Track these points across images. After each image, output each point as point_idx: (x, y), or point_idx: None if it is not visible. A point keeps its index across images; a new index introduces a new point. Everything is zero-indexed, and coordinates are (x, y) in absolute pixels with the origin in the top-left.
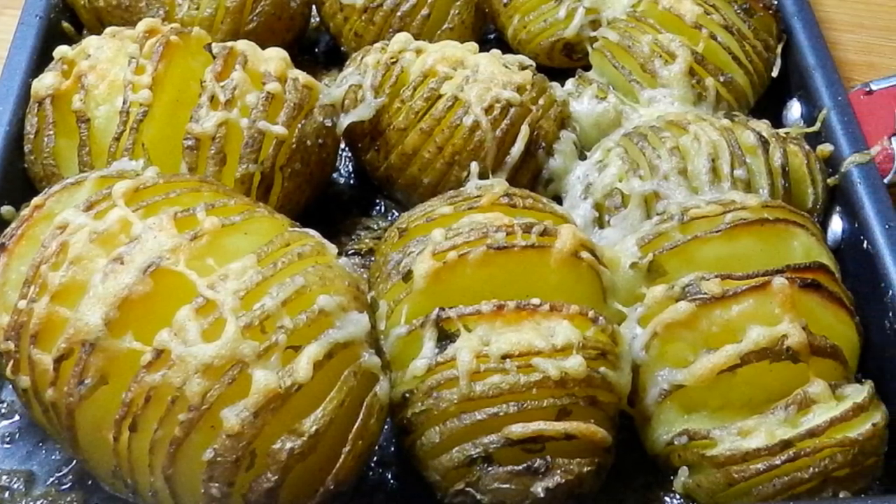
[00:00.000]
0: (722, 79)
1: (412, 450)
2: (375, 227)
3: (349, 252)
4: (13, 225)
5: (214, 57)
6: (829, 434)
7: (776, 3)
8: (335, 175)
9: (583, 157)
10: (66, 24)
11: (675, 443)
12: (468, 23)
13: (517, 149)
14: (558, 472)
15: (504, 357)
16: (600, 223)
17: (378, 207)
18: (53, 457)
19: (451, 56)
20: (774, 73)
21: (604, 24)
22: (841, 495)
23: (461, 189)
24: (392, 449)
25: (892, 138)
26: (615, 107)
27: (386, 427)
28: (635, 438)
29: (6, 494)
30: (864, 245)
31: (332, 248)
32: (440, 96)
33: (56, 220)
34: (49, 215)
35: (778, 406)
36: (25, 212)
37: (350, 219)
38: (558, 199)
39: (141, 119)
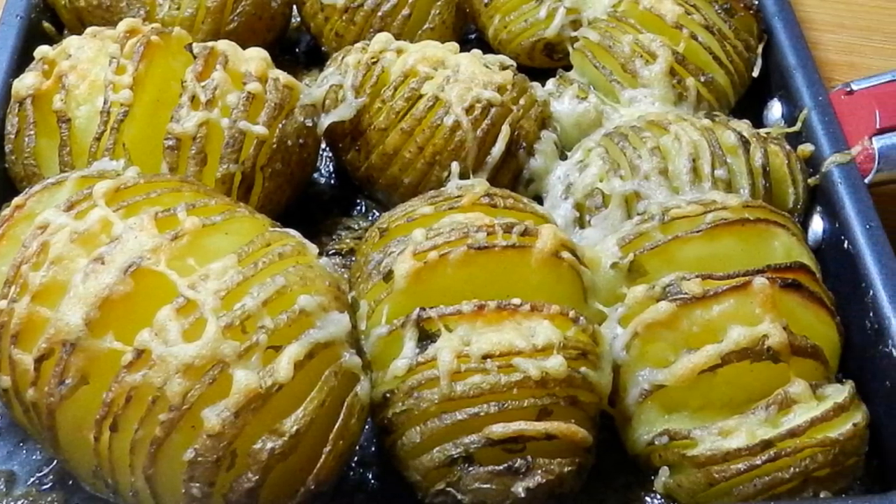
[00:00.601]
0: (703, 79)
1: (393, 450)
2: (356, 227)
3: (330, 252)
4: None
5: (195, 57)
6: (809, 434)
7: (757, 3)
8: (316, 175)
9: (563, 157)
10: (46, 25)
11: (656, 443)
12: (449, 23)
13: (498, 149)
14: (539, 472)
15: (485, 357)
16: (581, 223)
17: (359, 207)
18: (34, 457)
19: (432, 56)
20: (755, 73)
21: (584, 24)
22: (822, 495)
23: (442, 189)
24: (373, 449)
25: (873, 138)
26: (596, 107)
27: (367, 427)
28: (616, 438)
29: None
30: (845, 245)
31: (313, 248)
32: (421, 96)
33: (37, 220)
34: (30, 215)
35: (759, 406)
36: (6, 212)
37: (331, 219)
38: (539, 199)
39: (122, 119)
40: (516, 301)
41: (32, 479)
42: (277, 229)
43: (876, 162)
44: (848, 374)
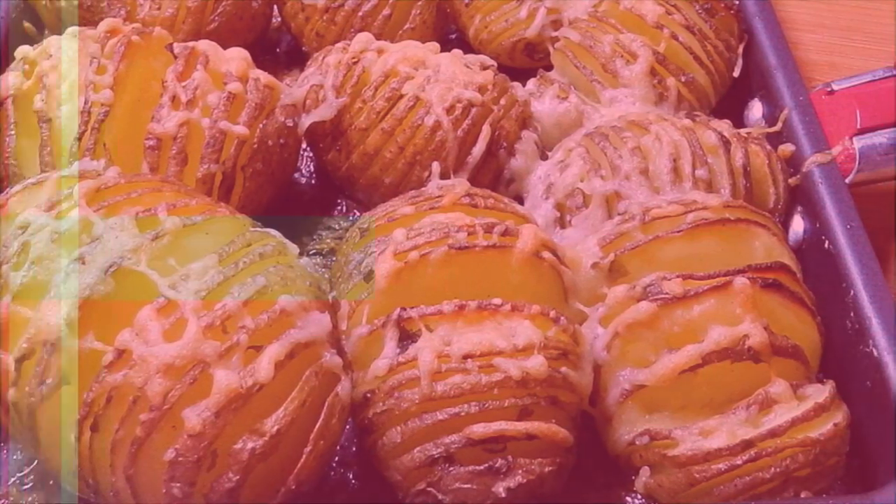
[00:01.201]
0: (683, 79)
1: (374, 450)
2: (337, 227)
3: (311, 252)
4: None
5: (176, 57)
6: (790, 434)
7: (737, 3)
8: (296, 175)
9: (544, 157)
10: (27, 25)
11: (637, 443)
12: (429, 23)
13: (478, 149)
14: (520, 472)
15: (465, 357)
16: (562, 223)
17: (339, 207)
18: (15, 457)
19: (413, 56)
20: (736, 73)
21: (565, 24)
22: (802, 495)
23: (423, 189)
24: (353, 449)
25: (854, 138)
26: (577, 107)
27: (347, 427)
28: (597, 439)
29: None
30: (826, 245)
31: (294, 248)
32: (401, 96)
33: (17, 220)
34: (10, 215)
35: (739, 406)
36: None
37: (311, 219)
38: (520, 199)
39: (102, 119)
40: (497, 301)
41: (13, 480)
42: (258, 229)
43: (857, 162)
44: (828, 374)
